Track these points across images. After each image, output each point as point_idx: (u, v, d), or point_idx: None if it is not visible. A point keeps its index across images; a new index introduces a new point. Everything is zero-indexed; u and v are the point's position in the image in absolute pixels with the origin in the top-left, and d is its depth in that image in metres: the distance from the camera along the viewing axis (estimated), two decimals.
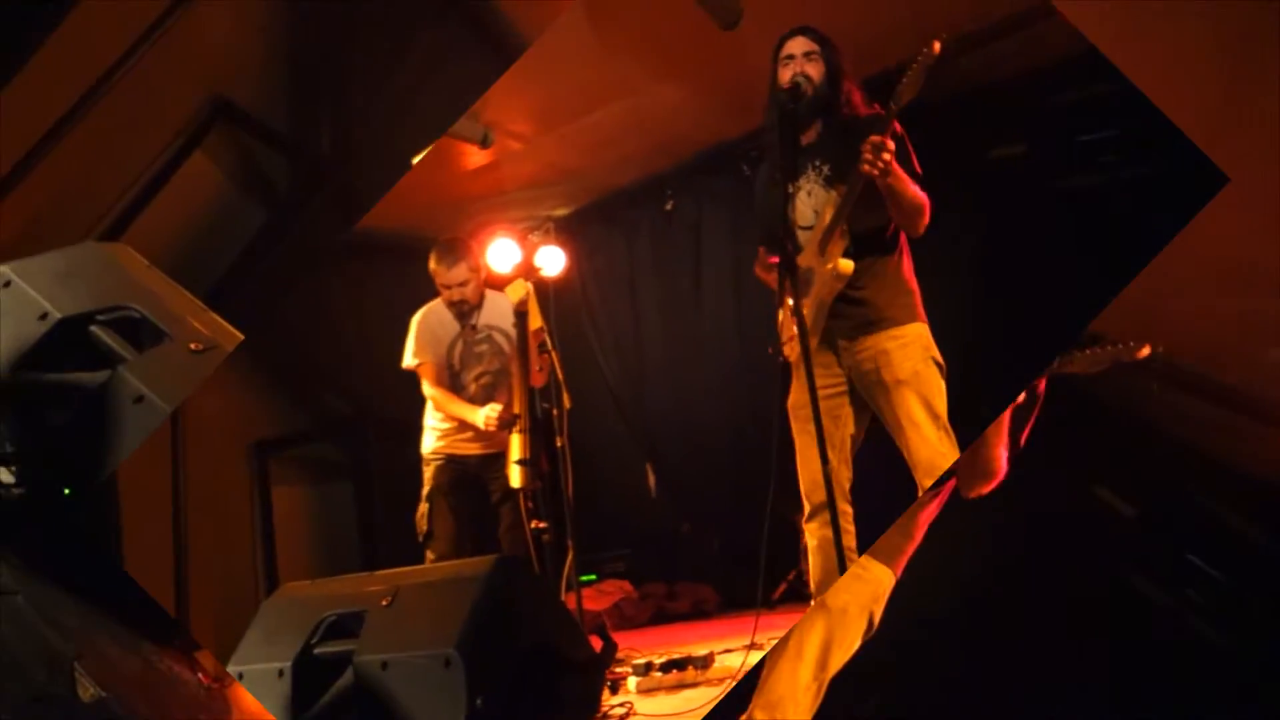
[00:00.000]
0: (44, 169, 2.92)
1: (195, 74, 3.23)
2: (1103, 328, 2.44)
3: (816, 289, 3.05)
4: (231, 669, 2.23)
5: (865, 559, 2.56)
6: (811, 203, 3.10)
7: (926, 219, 2.97)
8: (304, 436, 5.45)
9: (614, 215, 6.29)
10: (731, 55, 4.26)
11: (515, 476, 3.69)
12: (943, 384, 3.01)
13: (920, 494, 2.86)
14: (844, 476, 3.06)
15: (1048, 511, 2.50)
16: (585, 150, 5.44)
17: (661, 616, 5.56)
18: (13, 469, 1.82)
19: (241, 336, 1.99)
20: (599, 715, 3.11)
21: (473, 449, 4.02)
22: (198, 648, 2.11)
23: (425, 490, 4.03)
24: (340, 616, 2.24)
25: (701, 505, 5.93)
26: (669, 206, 5.98)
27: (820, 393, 2.83)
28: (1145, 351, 2.29)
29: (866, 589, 2.49)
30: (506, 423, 3.77)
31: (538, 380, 3.88)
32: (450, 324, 4.06)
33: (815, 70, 3.07)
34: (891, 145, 2.78)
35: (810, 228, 3.10)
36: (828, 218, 3.03)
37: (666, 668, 3.56)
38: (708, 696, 3.17)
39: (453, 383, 4.05)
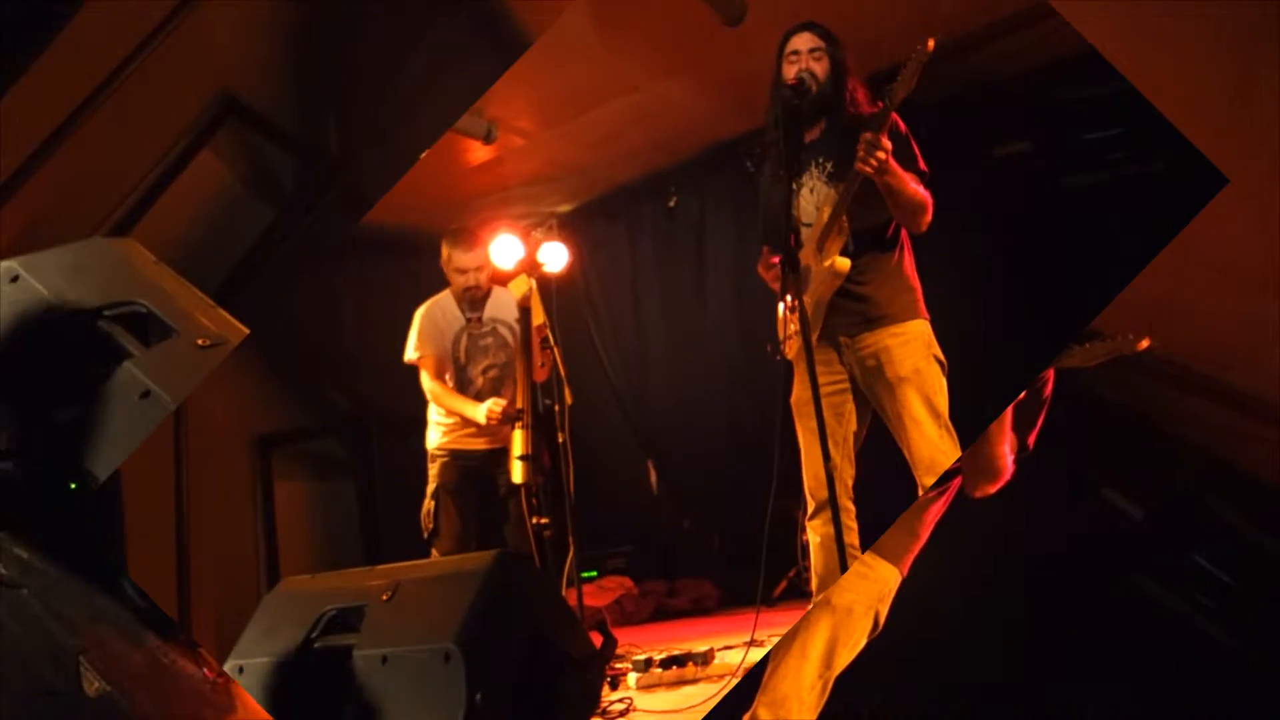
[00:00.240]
0: (52, 166, 2.93)
1: (203, 72, 3.24)
2: (1103, 327, 2.43)
3: (814, 286, 3.05)
4: (231, 663, 2.23)
5: (870, 557, 2.55)
6: (814, 199, 3.09)
7: (929, 216, 2.96)
8: (307, 432, 5.45)
9: (617, 211, 6.28)
10: (735, 51, 4.25)
11: (517, 471, 3.68)
12: (944, 381, 3.00)
13: (921, 492, 2.85)
14: (847, 473, 3.05)
15: (1055, 513, 2.50)
16: (588, 146, 5.43)
17: (662, 613, 5.56)
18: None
19: (247, 331, 1.99)
20: (599, 711, 3.11)
21: (478, 444, 4.00)
22: (196, 646, 2.12)
23: (430, 487, 4.01)
24: (340, 611, 2.24)
25: (702, 502, 5.93)
26: (672, 203, 5.98)
27: (822, 389, 2.82)
28: (1145, 344, 2.27)
29: (872, 588, 2.48)
30: (509, 417, 3.76)
31: (540, 376, 3.86)
32: (455, 318, 4.03)
33: (820, 67, 3.05)
34: (887, 143, 2.76)
35: (811, 225, 3.10)
36: (827, 215, 3.03)
37: (666, 664, 3.56)
38: (707, 693, 3.16)
39: (459, 376, 4.03)
